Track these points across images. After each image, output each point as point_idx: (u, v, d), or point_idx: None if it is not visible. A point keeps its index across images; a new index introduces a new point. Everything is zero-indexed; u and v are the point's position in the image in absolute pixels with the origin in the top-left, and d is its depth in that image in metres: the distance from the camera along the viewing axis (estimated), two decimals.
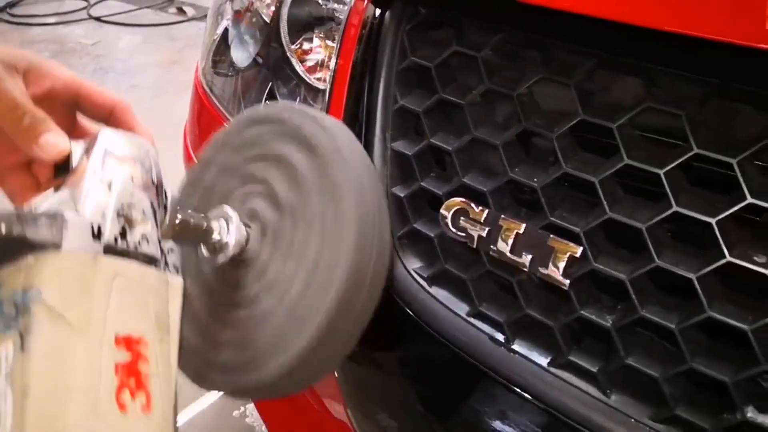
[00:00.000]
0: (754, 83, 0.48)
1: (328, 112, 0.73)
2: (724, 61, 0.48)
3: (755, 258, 0.46)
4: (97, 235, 0.42)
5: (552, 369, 0.56)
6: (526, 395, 0.56)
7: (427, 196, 0.65)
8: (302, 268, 0.48)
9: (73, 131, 0.54)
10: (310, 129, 0.52)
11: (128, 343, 0.41)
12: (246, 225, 0.52)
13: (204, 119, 1.06)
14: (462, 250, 0.62)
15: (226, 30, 1.08)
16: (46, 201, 0.44)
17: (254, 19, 1.01)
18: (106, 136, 0.48)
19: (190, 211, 0.49)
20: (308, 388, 0.56)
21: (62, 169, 0.49)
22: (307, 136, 0.52)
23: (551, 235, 0.54)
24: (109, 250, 0.43)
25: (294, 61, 0.87)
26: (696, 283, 0.48)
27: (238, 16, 1.08)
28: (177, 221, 0.46)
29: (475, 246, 0.59)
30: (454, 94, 0.63)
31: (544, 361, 0.56)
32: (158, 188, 0.48)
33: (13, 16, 4.94)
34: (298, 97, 0.84)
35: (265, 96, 0.91)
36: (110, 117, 0.54)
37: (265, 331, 0.49)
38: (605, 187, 0.53)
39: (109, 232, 0.43)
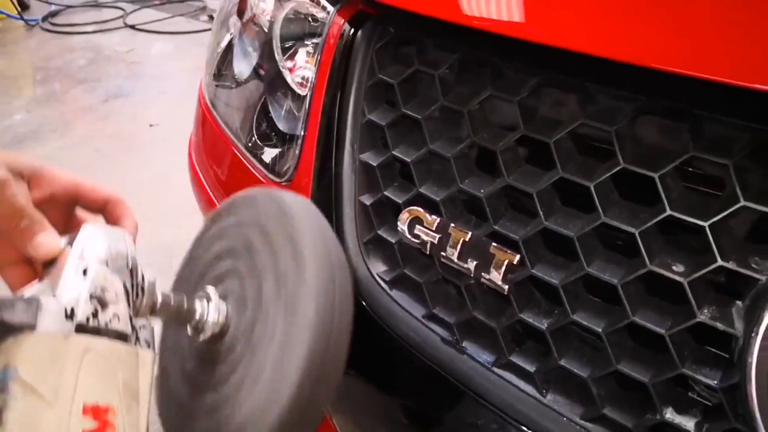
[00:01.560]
0: (678, 101, 0.51)
1: (307, 122, 0.78)
2: (650, 80, 0.51)
3: (674, 267, 0.49)
4: (70, 316, 0.47)
5: (495, 369, 0.59)
6: (472, 393, 0.60)
7: (390, 205, 0.69)
8: (272, 346, 0.52)
9: (71, 224, 0.61)
10: (274, 222, 0.57)
11: (96, 411, 0.45)
12: (224, 305, 0.57)
13: (206, 131, 1.11)
14: (418, 256, 0.66)
15: (230, 43, 1.14)
16: (30, 290, 0.50)
17: (257, 29, 1.07)
18: (87, 230, 0.53)
19: (168, 293, 0.55)
20: None
21: (52, 261, 0.54)
22: (271, 232, 0.57)
23: (493, 243, 0.58)
24: (81, 329, 0.47)
25: (286, 74, 0.92)
26: (620, 289, 0.51)
27: (244, 27, 1.13)
28: (157, 302, 0.53)
29: (428, 252, 0.63)
30: (415, 109, 0.67)
31: (488, 361, 0.60)
32: (132, 272, 0.52)
33: (53, 25, 5.15)
34: (288, 107, 0.89)
35: (258, 109, 0.96)
36: (105, 209, 0.61)
37: (241, 407, 0.53)
38: (542, 198, 0.56)
39: (82, 314, 0.47)
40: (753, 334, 0.44)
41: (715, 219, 0.47)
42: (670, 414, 0.50)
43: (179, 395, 0.61)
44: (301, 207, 0.57)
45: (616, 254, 0.53)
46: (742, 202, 0.46)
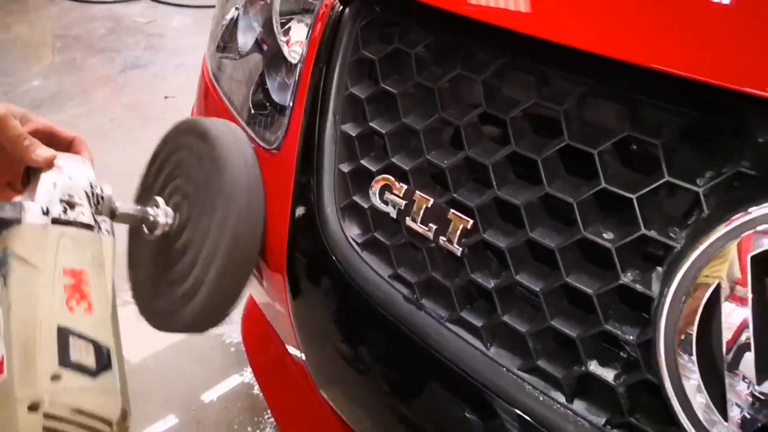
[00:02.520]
0: (620, 86, 0.56)
1: (296, 93, 0.84)
2: (598, 67, 0.56)
3: (605, 235, 0.55)
4: (46, 213, 0.66)
5: (448, 324, 0.65)
6: (428, 346, 0.66)
7: (366, 173, 0.74)
8: (204, 236, 0.79)
9: None
10: (199, 143, 0.84)
11: (72, 273, 0.63)
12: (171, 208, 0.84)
13: (208, 101, 1.17)
14: (388, 221, 0.72)
15: (235, 17, 1.19)
16: (13, 200, 0.68)
17: (261, 3, 1.12)
18: (57, 157, 0.73)
19: (126, 203, 0.79)
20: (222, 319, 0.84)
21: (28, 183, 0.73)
22: (198, 151, 0.84)
23: (451, 210, 0.64)
24: (55, 221, 0.66)
25: (283, 47, 0.97)
26: (557, 254, 0.56)
27: (250, 1, 1.18)
28: (116, 209, 0.77)
29: (395, 217, 0.69)
30: (392, 84, 0.72)
31: (442, 316, 0.65)
32: (91, 185, 0.73)
33: None
34: (282, 79, 0.94)
35: (256, 80, 1.01)
36: (71, 145, 0.79)
37: (186, 282, 0.80)
38: (497, 170, 0.61)
39: (55, 211, 0.66)
40: (665, 295, 0.50)
41: (641, 192, 0.52)
42: (594, 367, 0.55)
43: (146, 276, 0.91)
44: (219, 129, 0.84)
45: (556, 222, 0.58)
46: (666, 178, 0.51)
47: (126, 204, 0.79)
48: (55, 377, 0.57)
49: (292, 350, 0.91)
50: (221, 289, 0.78)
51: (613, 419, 0.54)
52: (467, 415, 0.62)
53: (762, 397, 0.45)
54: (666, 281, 0.50)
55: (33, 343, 0.58)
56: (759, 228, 0.45)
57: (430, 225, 0.65)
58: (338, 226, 0.76)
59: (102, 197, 0.74)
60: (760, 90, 0.47)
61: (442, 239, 0.64)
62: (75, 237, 0.66)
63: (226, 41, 1.19)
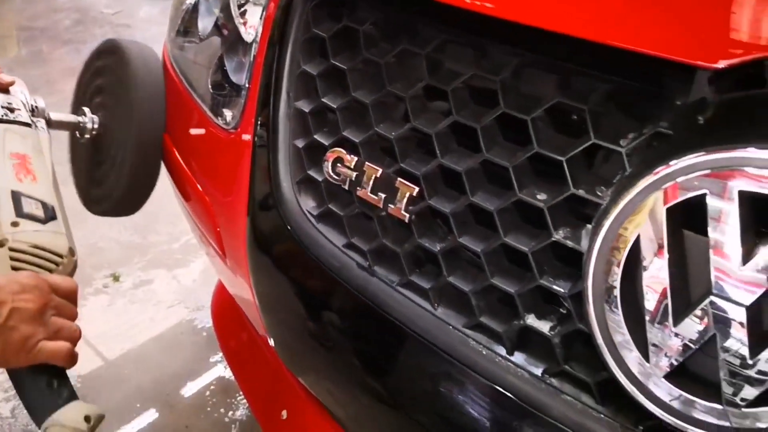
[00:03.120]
0: (551, 56, 0.59)
1: (251, 73, 0.86)
2: (531, 38, 0.59)
3: (538, 196, 0.58)
4: None
5: (398, 288, 0.68)
6: (380, 309, 0.69)
7: (320, 148, 0.77)
8: (119, 136, 1.03)
9: None
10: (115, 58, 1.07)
11: (17, 156, 0.84)
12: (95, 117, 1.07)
13: (171, 88, 1.18)
14: (341, 193, 0.74)
15: (196, 3, 1.20)
16: None
17: None
18: None
19: (54, 112, 1.01)
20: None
21: None
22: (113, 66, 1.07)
23: (399, 178, 0.67)
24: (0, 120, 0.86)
25: (240, 29, 0.99)
26: (495, 215, 0.60)
27: None
28: (50, 118, 0.98)
29: (347, 188, 0.71)
30: (342, 61, 0.75)
31: (393, 281, 0.69)
32: (27, 98, 0.93)
33: None
34: (239, 60, 0.96)
35: (215, 63, 1.03)
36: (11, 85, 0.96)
37: (111, 174, 1.05)
38: (440, 139, 0.64)
39: None
40: (592, 250, 0.53)
41: (571, 154, 0.56)
42: (531, 320, 0.59)
43: (83, 171, 1.17)
44: (129, 46, 1.06)
45: (495, 186, 0.62)
46: (593, 140, 0.55)
47: (58, 113, 1.02)
48: (14, 224, 0.78)
49: (259, 329, 0.94)
50: (136, 177, 1.02)
51: (550, 368, 0.58)
52: (419, 371, 0.65)
53: (679, 338, 0.49)
54: (593, 237, 0.54)
55: None
56: (672, 182, 0.49)
57: (380, 194, 0.68)
58: (294, 199, 0.78)
59: (37, 107, 0.95)
60: (677, 56, 0.50)
61: (391, 207, 0.67)
62: (17, 131, 0.87)
63: (186, 26, 1.20)
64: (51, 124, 0.98)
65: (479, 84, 0.64)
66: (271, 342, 0.89)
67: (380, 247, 0.70)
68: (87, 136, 1.05)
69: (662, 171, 0.50)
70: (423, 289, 0.66)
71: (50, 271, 0.79)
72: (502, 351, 0.61)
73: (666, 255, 0.49)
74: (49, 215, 0.81)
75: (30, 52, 3.87)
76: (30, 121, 0.89)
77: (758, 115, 0.49)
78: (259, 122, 0.83)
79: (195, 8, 1.19)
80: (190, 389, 1.62)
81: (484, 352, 0.61)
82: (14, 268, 0.76)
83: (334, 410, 0.83)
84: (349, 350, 0.74)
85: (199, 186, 0.96)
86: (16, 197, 0.80)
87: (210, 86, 1.00)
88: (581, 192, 0.55)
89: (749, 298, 0.46)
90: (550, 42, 0.58)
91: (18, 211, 0.79)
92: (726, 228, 0.46)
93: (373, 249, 0.70)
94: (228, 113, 0.91)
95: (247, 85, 0.87)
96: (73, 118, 1.04)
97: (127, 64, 1.02)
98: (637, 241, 0.51)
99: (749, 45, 0.46)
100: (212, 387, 1.62)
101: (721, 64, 0.47)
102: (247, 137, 0.85)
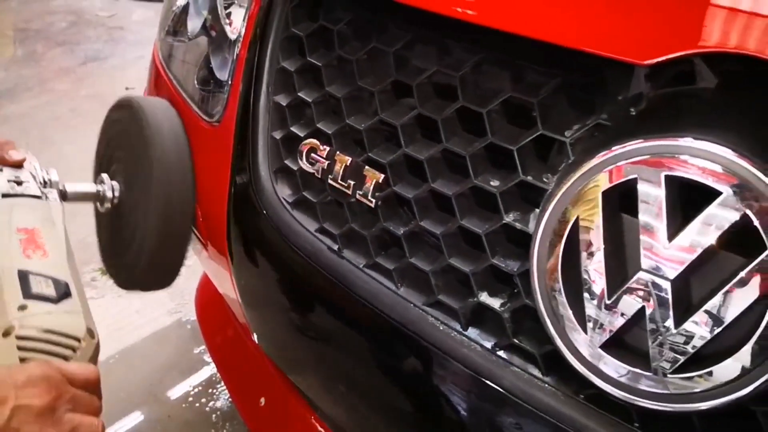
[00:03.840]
0: (505, 53, 0.64)
1: (234, 69, 0.90)
2: (487, 37, 0.64)
3: (492, 182, 0.63)
4: None
5: (365, 269, 0.72)
6: (349, 290, 0.73)
7: (296, 139, 0.82)
8: (144, 208, 0.90)
9: None
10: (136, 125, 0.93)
11: (25, 230, 0.76)
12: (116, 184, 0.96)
13: (159, 84, 1.23)
14: (314, 181, 0.79)
15: (186, 4, 1.25)
16: None
17: None
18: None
19: (69, 183, 0.91)
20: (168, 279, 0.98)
21: None
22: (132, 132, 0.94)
23: (366, 167, 0.71)
24: (6, 195, 0.79)
25: (226, 28, 1.04)
26: (453, 200, 0.64)
27: None
28: (66, 191, 0.89)
29: (320, 176, 0.76)
30: (317, 58, 0.79)
31: (361, 263, 0.73)
32: (36, 169, 0.86)
33: None
34: (224, 57, 1.01)
35: (201, 60, 1.07)
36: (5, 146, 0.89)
37: (133, 244, 0.93)
38: (405, 130, 0.69)
39: (3, 189, 0.80)
40: (538, 231, 0.58)
41: (521, 144, 0.61)
42: (484, 297, 0.64)
43: (107, 241, 1.08)
44: (149, 107, 0.94)
45: (454, 174, 0.66)
46: (541, 131, 0.60)
47: (74, 184, 0.91)
48: (22, 307, 0.68)
49: (239, 316, 0.98)
50: (161, 251, 0.90)
51: (500, 342, 0.63)
52: (383, 346, 0.70)
53: (613, 312, 0.54)
54: (539, 219, 0.58)
55: (0, 287, 0.69)
56: (607, 169, 0.54)
57: (349, 181, 0.73)
58: (271, 187, 0.83)
59: (50, 179, 0.87)
60: (613, 54, 0.55)
61: (359, 194, 0.71)
62: (25, 204, 0.80)
63: (176, 27, 1.25)
64: (67, 196, 0.90)
65: (441, 80, 0.68)
66: (247, 322, 0.93)
67: (349, 232, 0.75)
68: (107, 205, 0.96)
69: (599, 159, 0.54)
70: (387, 270, 0.71)
71: (66, 358, 0.69)
72: (458, 326, 0.65)
73: (601, 235, 0.54)
74: (62, 293, 0.72)
75: (25, 53, 3.91)
76: (40, 193, 0.83)
77: (684, 108, 0.54)
78: (240, 115, 0.87)
79: (184, 10, 1.23)
80: (174, 380, 1.65)
81: (441, 328, 0.66)
82: (23, 359, 0.66)
83: (303, 387, 0.87)
84: (318, 328, 0.78)
85: None
86: (23, 277, 0.71)
87: (196, 83, 1.05)
88: (530, 178, 0.60)
89: (674, 273, 0.50)
90: (505, 41, 0.62)
91: (26, 292, 0.70)
92: (654, 210, 0.51)
93: (343, 233, 0.75)
94: (212, 108, 0.96)
95: (230, 81, 0.92)
96: (90, 187, 0.96)
97: (144, 126, 0.92)
98: (576, 223, 0.55)
99: (674, 44, 0.51)
100: (195, 378, 1.66)
101: (650, 61, 0.52)
102: (228, 129, 0.89)
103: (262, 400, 1.21)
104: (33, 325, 0.67)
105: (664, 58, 0.51)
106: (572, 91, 0.61)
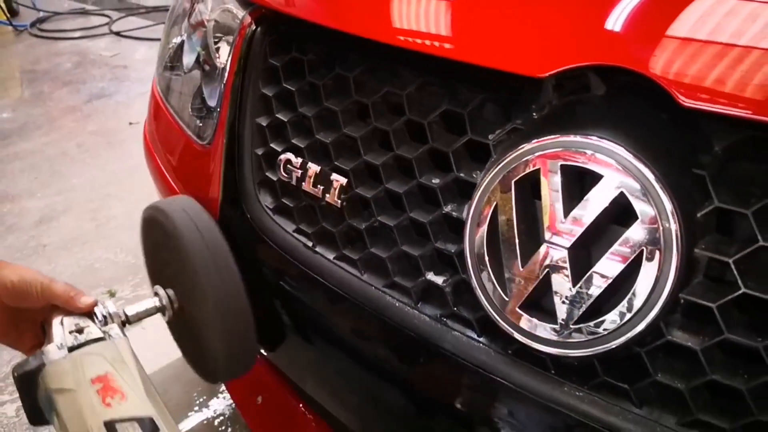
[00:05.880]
0: (443, 75, 0.77)
1: (222, 97, 1.04)
2: (430, 62, 0.77)
3: (433, 180, 0.76)
4: (61, 347, 0.81)
5: (335, 261, 0.85)
6: (321, 279, 0.86)
7: (275, 154, 0.95)
8: (200, 312, 0.92)
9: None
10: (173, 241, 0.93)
11: (100, 379, 0.77)
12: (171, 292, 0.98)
13: (159, 115, 1.37)
14: (290, 189, 0.92)
15: (181, 42, 1.40)
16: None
17: (203, 30, 1.33)
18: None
19: (129, 308, 0.93)
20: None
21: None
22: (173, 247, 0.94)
23: (332, 173, 0.84)
24: (71, 348, 0.81)
25: (216, 61, 1.18)
26: (404, 197, 0.77)
27: (192, 29, 1.39)
28: (127, 317, 0.91)
29: (295, 184, 0.89)
30: (292, 84, 0.93)
31: (330, 256, 0.86)
32: (96, 310, 0.88)
33: (42, 30, 5.38)
34: (214, 87, 1.15)
35: (195, 91, 1.21)
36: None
37: (207, 351, 0.95)
38: (364, 142, 0.82)
39: (68, 342, 0.82)
40: (468, 217, 0.71)
41: (454, 147, 0.74)
42: (431, 276, 0.76)
43: (184, 345, 1.08)
44: (177, 217, 0.93)
45: (404, 176, 0.79)
46: (470, 136, 0.73)
47: (134, 306, 0.95)
48: None
49: None
50: (231, 350, 0.94)
51: (444, 312, 0.75)
52: (352, 323, 0.82)
53: (526, 278, 0.66)
54: (469, 208, 0.71)
55: None
56: (517, 163, 0.67)
57: (319, 186, 0.86)
58: (255, 196, 0.96)
59: (110, 313, 0.90)
60: (520, 71, 0.68)
61: (327, 197, 0.85)
62: (92, 351, 0.82)
63: (173, 62, 1.40)
64: (129, 321, 0.93)
65: (391, 98, 0.82)
66: None
67: (321, 230, 0.87)
68: (169, 314, 0.98)
69: (512, 155, 0.67)
70: (353, 260, 0.83)
71: None
72: (411, 303, 0.77)
73: (515, 217, 0.66)
74: (149, 430, 0.76)
75: (33, 93, 4.09)
76: (102, 334, 0.85)
77: (578, 112, 0.67)
78: (227, 136, 1.01)
79: (180, 47, 1.38)
80: (178, 392, 1.77)
81: (397, 305, 0.78)
82: None
83: (287, 371, 0.99)
84: (297, 314, 0.91)
85: (179, 192, 1.14)
86: (110, 427, 0.74)
87: (191, 111, 1.19)
88: (462, 175, 0.73)
89: (569, 243, 0.63)
90: (441, 65, 0.76)
91: None
92: (553, 193, 0.64)
93: (316, 232, 0.88)
94: (204, 132, 1.09)
95: (218, 108, 1.05)
96: (148, 304, 0.96)
97: (176, 236, 0.92)
98: (496, 208, 0.68)
99: (563, 59, 0.64)
100: (199, 388, 1.77)
101: (543, 75, 0.65)
102: (218, 149, 1.03)
103: (259, 398, 1.33)
104: None
105: (555, 71, 0.64)
106: (494, 103, 0.74)
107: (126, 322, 0.92)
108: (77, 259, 2.34)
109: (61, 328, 0.85)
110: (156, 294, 0.98)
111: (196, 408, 1.73)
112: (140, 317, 0.95)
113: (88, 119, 3.64)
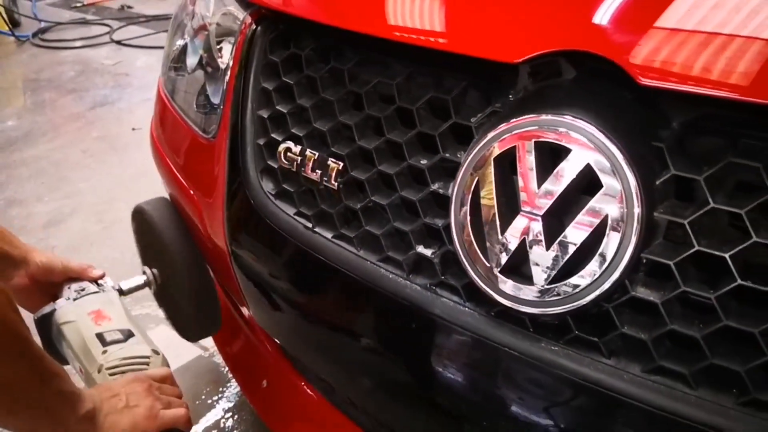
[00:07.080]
0: (429, 64, 0.84)
1: (225, 92, 1.11)
2: (417, 54, 0.84)
3: (421, 161, 0.83)
4: (68, 299, 1.20)
5: (333, 240, 0.92)
6: (321, 257, 0.93)
7: (276, 143, 1.02)
8: (173, 279, 1.30)
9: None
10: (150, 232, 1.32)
11: (93, 312, 1.17)
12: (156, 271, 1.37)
13: (165, 113, 1.44)
14: (291, 175, 0.99)
15: (185, 45, 1.47)
16: (59, 303, 1.21)
17: (205, 33, 1.40)
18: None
19: (123, 281, 1.32)
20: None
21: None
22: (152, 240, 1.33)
23: (329, 159, 0.91)
24: (74, 299, 1.20)
25: (218, 60, 1.25)
26: (395, 178, 0.84)
27: (195, 32, 1.46)
28: (122, 288, 1.31)
29: (295, 171, 0.96)
30: (291, 78, 1.00)
31: (329, 235, 0.93)
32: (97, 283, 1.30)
33: (44, 40, 5.46)
34: (217, 84, 1.22)
35: (199, 89, 1.29)
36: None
37: (181, 312, 1.35)
38: (357, 128, 0.89)
39: (72, 296, 1.21)
40: (453, 193, 0.77)
41: (441, 130, 0.80)
42: (421, 249, 0.83)
43: (168, 310, 1.44)
44: (155, 211, 1.30)
45: (395, 158, 0.86)
46: (454, 119, 0.80)
47: (127, 281, 1.32)
48: (104, 352, 1.10)
49: (239, 301, 1.18)
50: (198, 307, 1.30)
51: (433, 281, 0.82)
52: (350, 295, 0.89)
53: (505, 245, 0.73)
54: (454, 185, 0.78)
55: (88, 347, 1.10)
56: (496, 141, 0.73)
57: (317, 171, 0.93)
58: (258, 184, 1.03)
59: (104, 283, 1.27)
60: (502, 58, 0.75)
61: (325, 180, 0.91)
62: (89, 299, 1.19)
63: (177, 64, 1.47)
64: (123, 292, 1.28)
65: (383, 88, 0.89)
66: (243, 299, 1.13)
67: (319, 212, 0.94)
68: (154, 288, 1.33)
69: (491, 135, 0.74)
70: (349, 238, 0.90)
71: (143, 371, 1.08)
72: (403, 274, 0.84)
73: (494, 190, 0.73)
74: (127, 335, 1.13)
75: (36, 101, 4.17)
76: (97, 289, 1.22)
77: (550, 95, 0.74)
78: (231, 129, 1.08)
79: (183, 50, 1.46)
80: (187, 383, 1.83)
81: (391, 277, 0.85)
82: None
83: (290, 347, 1.06)
84: (299, 291, 0.98)
85: (187, 184, 1.21)
86: (99, 335, 1.11)
87: (196, 108, 1.26)
88: (448, 155, 0.80)
89: (542, 211, 0.70)
90: (427, 55, 0.83)
91: (103, 343, 1.10)
92: (528, 167, 0.71)
93: (315, 214, 0.95)
94: (209, 126, 1.17)
95: (222, 104, 1.12)
96: (139, 280, 1.33)
97: (151, 222, 1.28)
98: (478, 184, 0.75)
99: (534, 46, 0.71)
100: (205, 378, 1.84)
101: (516, 60, 0.72)
102: (222, 142, 1.10)
103: (264, 382, 1.39)
104: (114, 358, 1.08)
105: (527, 57, 0.71)
106: (475, 90, 0.81)
107: (121, 292, 1.26)
108: (86, 259, 2.40)
109: (68, 289, 1.20)
110: (144, 272, 1.34)
111: (204, 396, 1.79)
112: (132, 290, 1.30)
113: (92, 126, 3.71)
